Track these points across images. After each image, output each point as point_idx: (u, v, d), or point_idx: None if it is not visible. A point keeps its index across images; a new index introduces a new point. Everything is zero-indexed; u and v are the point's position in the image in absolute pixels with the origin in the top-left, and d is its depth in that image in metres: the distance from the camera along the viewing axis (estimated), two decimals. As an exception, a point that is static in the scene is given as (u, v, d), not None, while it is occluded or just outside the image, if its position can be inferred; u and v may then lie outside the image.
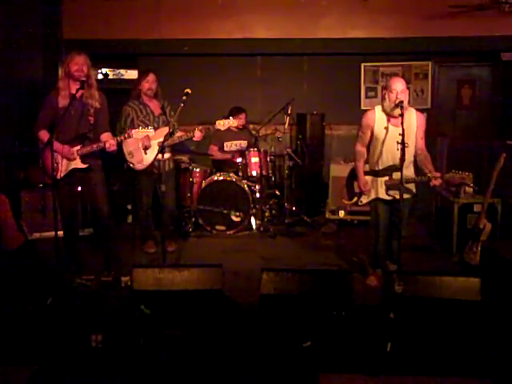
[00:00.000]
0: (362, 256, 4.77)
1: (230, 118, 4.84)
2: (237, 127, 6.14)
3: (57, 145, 3.98)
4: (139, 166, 4.92)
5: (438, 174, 3.89)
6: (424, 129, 4.11)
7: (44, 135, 4.14)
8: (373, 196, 4.17)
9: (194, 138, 4.74)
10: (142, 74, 5.04)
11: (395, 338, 3.03)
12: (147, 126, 4.67)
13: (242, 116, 6.11)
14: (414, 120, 4.05)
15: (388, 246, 4.27)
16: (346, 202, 4.44)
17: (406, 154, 3.74)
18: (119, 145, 4.77)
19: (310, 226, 6.03)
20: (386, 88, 4.05)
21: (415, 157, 4.10)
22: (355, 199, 4.31)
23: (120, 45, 6.71)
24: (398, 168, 3.80)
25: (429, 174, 3.92)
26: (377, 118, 4.08)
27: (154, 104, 5.01)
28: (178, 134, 4.82)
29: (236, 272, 4.47)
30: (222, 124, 4.65)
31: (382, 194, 4.11)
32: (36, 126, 4.18)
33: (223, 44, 6.66)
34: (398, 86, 3.91)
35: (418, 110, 4.17)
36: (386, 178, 4.07)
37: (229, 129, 6.10)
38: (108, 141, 4.14)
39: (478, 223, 4.42)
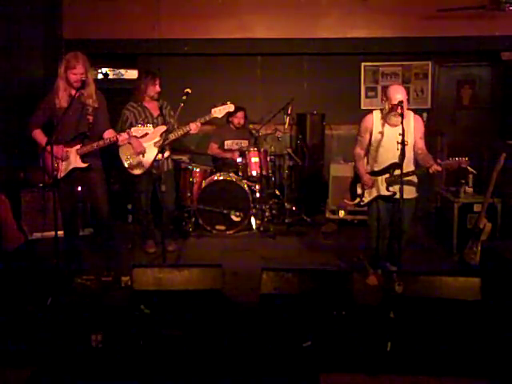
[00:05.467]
0: (362, 256, 4.77)
1: (228, 103, 4.74)
2: (236, 126, 6.16)
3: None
4: (139, 171, 4.89)
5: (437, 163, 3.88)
6: (423, 130, 4.13)
7: (38, 134, 4.14)
8: (374, 194, 4.17)
9: (191, 131, 4.70)
10: (149, 78, 4.94)
11: (395, 338, 3.03)
12: None
13: (241, 114, 6.10)
14: (412, 123, 4.07)
15: (389, 247, 4.27)
16: (348, 203, 4.45)
17: (406, 153, 3.75)
18: (117, 150, 4.78)
19: (310, 226, 6.03)
20: (385, 96, 4.05)
21: (415, 156, 4.10)
22: (357, 200, 4.31)
23: (120, 45, 6.71)
24: (399, 165, 3.80)
25: (427, 165, 3.91)
26: (375, 120, 4.10)
27: (153, 105, 4.99)
28: (180, 131, 4.78)
29: (236, 272, 4.47)
30: (217, 111, 4.63)
31: (383, 191, 4.11)
32: (30, 125, 4.17)
33: (223, 44, 6.66)
34: (399, 97, 3.90)
35: (416, 112, 4.18)
36: (387, 175, 4.08)
37: (229, 128, 6.16)
38: (115, 136, 4.14)
39: (478, 223, 4.42)
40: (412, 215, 4.22)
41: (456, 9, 6.16)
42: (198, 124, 4.67)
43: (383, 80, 6.84)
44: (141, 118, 4.91)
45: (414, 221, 4.42)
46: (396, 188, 3.97)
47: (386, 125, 4.05)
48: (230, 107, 4.71)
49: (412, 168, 4.08)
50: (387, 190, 4.09)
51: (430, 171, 3.86)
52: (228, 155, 6.04)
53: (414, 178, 4.12)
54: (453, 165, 3.84)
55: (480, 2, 6.15)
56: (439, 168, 3.83)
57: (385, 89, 4.23)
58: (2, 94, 5.39)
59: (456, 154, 4.01)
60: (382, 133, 4.06)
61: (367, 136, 4.15)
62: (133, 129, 4.26)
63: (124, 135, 4.16)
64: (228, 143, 6.15)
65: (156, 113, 4.96)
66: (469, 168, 3.92)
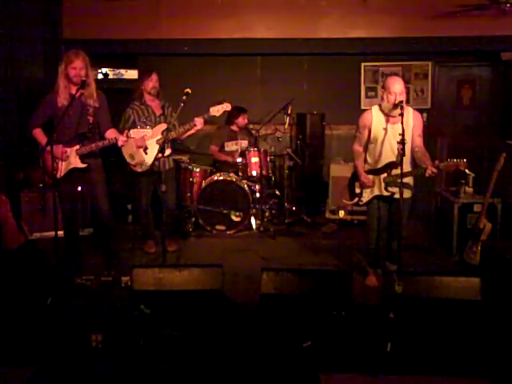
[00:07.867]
0: (362, 256, 4.77)
1: (224, 102, 4.74)
2: (238, 128, 6.17)
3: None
4: (141, 168, 4.88)
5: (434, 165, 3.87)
6: (422, 127, 4.10)
7: (38, 134, 4.14)
8: (375, 192, 4.16)
9: (197, 127, 4.68)
10: (145, 74, 5.01)
11: (395, 338, 3.03)
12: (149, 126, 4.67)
13: (245, 116, 6.12)
14: (411, 119, 4.05)
15: (388, 246, 4.27)
16: (347, 202, 4.45)
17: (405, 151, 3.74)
18: (119, 149, 4.78)
19: (310, 226, 6.03)
20: (384, 88, 4.05)
21: (413, 154, 4.09)
22: (356, 199, 4.31)
23: (120, 45, 6.71)
24: (397, 164, 3.79)
25: (424, 166, 3.89)
26: (374, 117, 4.09)
27: (155, 104, 5.00)
28: (181, 128, 4.76)
29: (236, 272, 4.47)
30: (216, 110, 4.64)
31: (382, 191, 4.11)
32: (30, 123, 4.18)
33: (223, 44, 6.66)
34: (397, 87, 3.90)
35: (416, 109, 4.17)
36: (385, 174, 4.08)
37: (230, 129, 6.16)
38: (116, 137, 4.14)
39: (478, 223, 4.43)
40: (408, 214, 4.22)
41: (472, 5, 6.13)
42: (202, 119, 4.67)
43: (383, 80, 6.83)
44: (144, 116, 4.92)
45: (413, 220, 4.43)
46: (394, 189, 3.98)
47: (385, 122, 4.04)
48: (228, 106, 4.71)
49: (409, 168, 4.06)
50: (386, 190, 4.09)
51: (426, 174, 3.80)
52: (229, 159, 6.03)
53: (411, 179, 4.11)
54: (451, 167, 3.81)
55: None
56: (435, 170, 3.78)
57: (383, 79, 4.21)
58: (1, 94, 5.40)
59: (456, 154, 4.00)
60: (385, 128, 4.04)
61: (366, 132, 4.14)
62: (132, 131, 4.26)
63: (123, 137, 4.16)
64: (228, 144, 6.15)
65: (158, 112, 4.96)
66: (466, 171, 3.90)
